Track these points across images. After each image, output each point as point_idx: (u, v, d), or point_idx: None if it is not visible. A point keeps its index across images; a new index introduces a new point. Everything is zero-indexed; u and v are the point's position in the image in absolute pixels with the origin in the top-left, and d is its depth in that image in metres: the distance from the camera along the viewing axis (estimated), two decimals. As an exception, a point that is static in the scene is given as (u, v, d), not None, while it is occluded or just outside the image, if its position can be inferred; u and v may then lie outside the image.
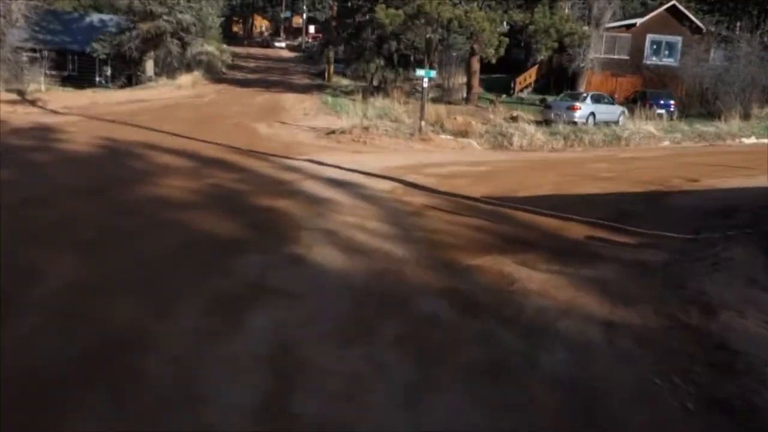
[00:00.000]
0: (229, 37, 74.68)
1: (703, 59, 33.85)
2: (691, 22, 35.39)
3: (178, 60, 39.61)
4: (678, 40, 35.68)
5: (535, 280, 6.17)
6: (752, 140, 23.05)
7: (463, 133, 19.87)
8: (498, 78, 40.36)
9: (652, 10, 36.45)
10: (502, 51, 29.70)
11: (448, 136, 18.91)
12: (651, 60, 36.00)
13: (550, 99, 33.43)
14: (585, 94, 27.89)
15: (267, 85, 39.30)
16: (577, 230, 8.47)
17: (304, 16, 75.75)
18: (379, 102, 29.18)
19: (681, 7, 35.57)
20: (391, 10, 29.94)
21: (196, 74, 40.81)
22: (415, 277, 6.15)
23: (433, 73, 18.74)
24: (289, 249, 6.79)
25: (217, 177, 10.76)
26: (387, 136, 18.02)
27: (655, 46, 36.00)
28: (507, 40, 29.71)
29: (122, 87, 37.01)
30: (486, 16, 29.13)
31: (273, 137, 18.12)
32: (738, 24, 35.20)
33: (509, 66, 40.91)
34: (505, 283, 6.08)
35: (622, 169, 14.38)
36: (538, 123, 23.30)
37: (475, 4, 29.60)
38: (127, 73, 39.64)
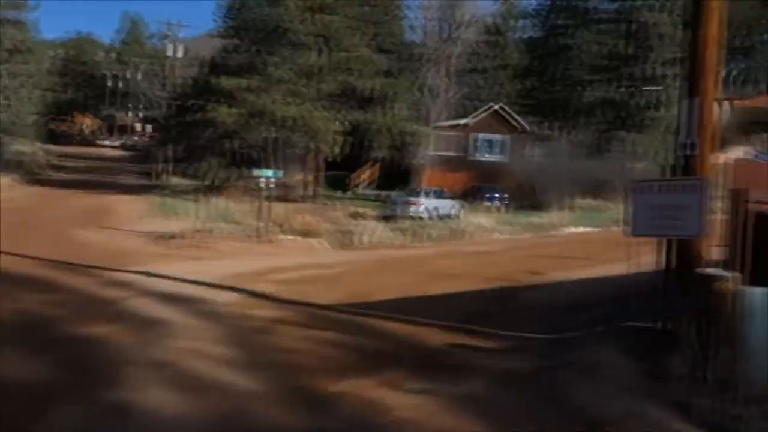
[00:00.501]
0: (52, 136, 70.28)
1: (527, 156, 36.44)
2: (514, 122, 38.13)
3: (-8, 162, 36.20)
4: (502, 138, 38.21)
5: (407, 406, 5.45)
6: (571, 230, 24.49)
7: (307, 233, 19.26)
8: (339, 174, 40.74)
9: (478, 112, 38.93)
10: (344, 149, 30.03)
11: (293, 237, 18.22)
12: (479, 156, 38.11)
13: (389, 194, 34.16)
14: (424, 190, 28.62)
15: (94, 186, 36.73)
16: (437, 337, 7.94)
17: (136, 114, 73.30)
18: (218, 202, 28.08)
19: (504, 110, 38.35)
20: (232, 110, 29.47)
21: (11, 177, 37.37)
22: (268, 418, 5.19)
23: (279, 173, 18.18)
24: (111, 395, 5.55)
25: (23, 300, 9.16)
26: (227, 239, 16.99)
27: (482, 144, 38.24)
28: (348, 138, 30.14)
29: None
30: (324, 116, 29.44)
31: (99, 245, 16.43)
32: (555, 124, 38.32)
33: (351, 163, 41.58)
34: (375, 413, 5.29)
35: (468, 265, 14.37)
36: (382, 218, 23.29)
37: (314, 104, 29.86)
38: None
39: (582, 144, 34.33)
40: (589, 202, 32.32)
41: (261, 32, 33.66)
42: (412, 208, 26.98)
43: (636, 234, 6.65)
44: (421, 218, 26.54)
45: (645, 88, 36.18)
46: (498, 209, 29.84)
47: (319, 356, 7.05)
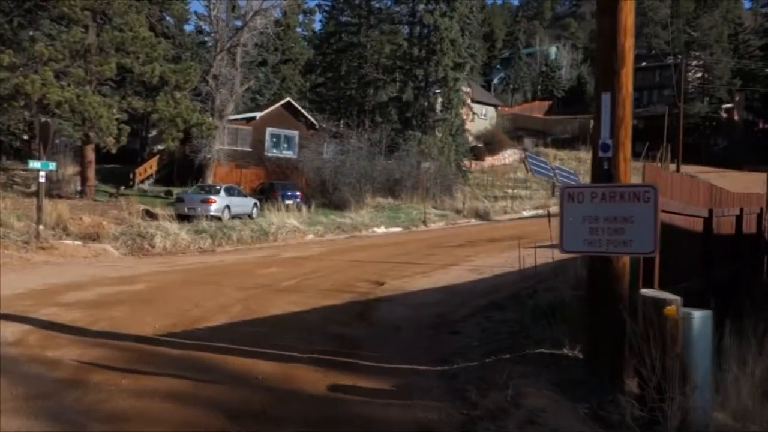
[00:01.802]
0: None
1: (319, 152, 35.39)
2: (306, 117, 36.86)
3: None
4: (295, 134, 36.77)
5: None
6: (383, 230, 23.92)
7: (93, 237, 16.18)
8: (114, 168, 36.36)
9: (269, 105, 37.04)
10: (123, 140, 26.36)
11: (76, 242, 15.07)
12: (272, 152, 36.29)
13: (179, 191, 31.00)
14: (219, 187, 26.16)
15: None
16: (308, 376, 6.28)
17: None
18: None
19: (295, 104, 36.88)
20: (-23, 88, 24.38)
21: None
22: None
23: (52, 165, 14.85)
24: None
25: None
26: (-10, 246, 13.46)
27: (274, 139, 36.47)
28: (128, 128, 26.57)
29: None
30: (103, 102, 25.63)
31: None
32: (345, 121, 37.83)
33: (126, 156, 37.32)
34: None
35: (297, 274, 12.66)
36: (171, 218, 20.52)
37: (89, 87, 25.85)
38: None
39: (375, 142, 34.09)
40: (385, 201, 32.13)
41: (17, 2, 28.52)
42: (207, 207, 24.49)
43: (566, 251, 5.57)
44: (219, 218, 24.23)
45: (433, 90, 37.07)
46: (298, 208, 28.35)
47: (166, 422, 5.03)
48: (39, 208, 14.04)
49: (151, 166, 35.41)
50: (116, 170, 36.48)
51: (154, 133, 41.63)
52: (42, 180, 14.15)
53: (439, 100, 37.88)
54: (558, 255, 6.99)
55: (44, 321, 7.96)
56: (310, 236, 21.06)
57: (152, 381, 5.98)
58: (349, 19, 41.94)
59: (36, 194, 27.39)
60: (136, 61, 27.37)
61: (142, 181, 34.60)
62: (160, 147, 43.59)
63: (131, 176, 34.74)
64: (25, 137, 34.70)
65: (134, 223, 17.48)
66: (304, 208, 23.98)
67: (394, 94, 39.51)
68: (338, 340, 7.73)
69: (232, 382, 6.08)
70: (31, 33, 28.59)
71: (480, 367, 6.40)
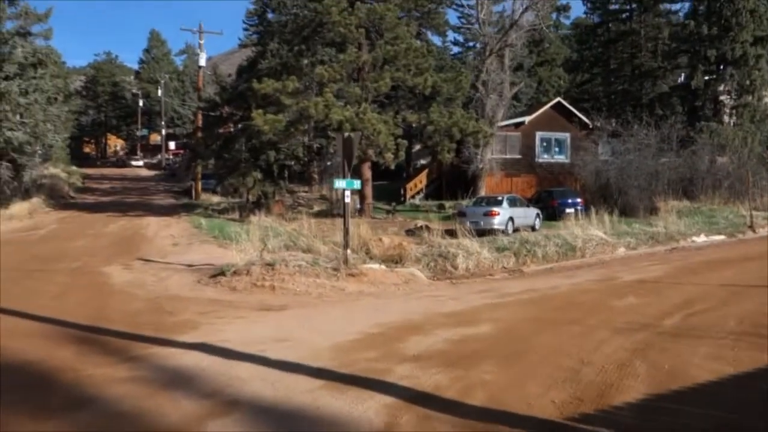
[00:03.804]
0: (80, 158, 66.73)
1: (594, 154, 31.44)
2: (579, 118, 33.15)
3: (9, 186, 31.82)
4: (566, 136, 33.27)
5: None
6: (703, 238, 19.52)
7: (395, 259, 14.47)
8: (382, 185, 36.01)
9: (537, 108, 33.99)
10: (402, 155, 25.28)
11: (381, 266, 13.38)
12: (542, 158, 33.18)
13: (451, 204, 29.35)
14: (501, 198, 23.76)
15: (123, 208, 32.26)
16: None
17: (164, 132, 69.07)
18: (262, 220, 23.44)
19: (566, 104, 33.36)
20: (270, 116, 24.81)
21: (36, 201, 33.10)
22: None
23: (357, 184, 13.36)
24: None
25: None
26: (301, 273, 12.19)
27: (545, 144, 33.33)
28: (405, 143, 25.36)
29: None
30: (381, 119, 24.70)
31: (133, 289, 11.73)
32: (619, 119, 33.39)
33: (391, 172, 36.89)
34: None
35: (668, 306, 9.24)
36: (448, 233, 18.25)
37: (365, 105, 25.12)
38: (-54, 206, 31.03)
39: (663, 138, 29.23)
40: (680, 203, 27.21)
41: (295, 32, 29.03)
42: (491, 220, 22.22)
43: None
44: (503, 232, 21.80)
45: (729, 72, 31.07)
46: (581, 217, 24.81)
47: None
48: (346, 231, 12.51)
49: (421, 180, 34.33)
50: (385, 187, 36.10)
51: (417, 147, 40.88)
52: (347, 200, 12.65)
53: (736, 82, 31.70)
54: None
55: (406, 389, 5.76)
56: (621, 250, 17.52)
57: None
58: (617, 6, 37.33)
59: (329, 214, 27.85)
60: (408, 74, 26.17)
61: (412, 197, 33.65)
62: (423, 162, 42.90)
63: (402, 192, 33.97)
64: (304, 160, 35.89)
65: (434, 243, 15.49)
66: (594, 217, 20.37)
67: (678, 82, 34.05)
68: None
69: None
70: (306, 61, 28.94)
71: None
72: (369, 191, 28.33)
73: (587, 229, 18.33)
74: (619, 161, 28.69)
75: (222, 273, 12.46)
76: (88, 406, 5.40)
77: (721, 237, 19.78)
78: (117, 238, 21.50)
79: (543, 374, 6.25)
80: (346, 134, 13.36)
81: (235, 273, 12.26)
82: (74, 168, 54.10)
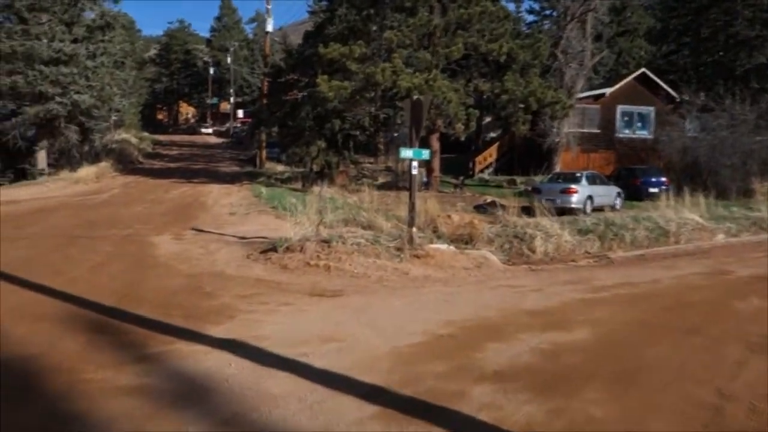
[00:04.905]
0: (153, 125, 67.33)
1: (681, 130, 28.62)
2: (666, 91, 30.28)
3: (79, 149, 31.64)
4: (650, 110, 30.48)
5: None
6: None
7: (465, 239, 12.84)
8: (449, 158, 34.10)
9: (620, 80, 31.25)
10: (473, 125, 23.41)
11: (450, 246, 11.77)
12: (623, 133, 30.55)
13: (523, 180, 27.35)
14: (579, 174, 21.67)
15: (188, 175, 31.68)
16: None
17: (232, 100, 68.82)
18: (325, 191, 22.16)
19: (652, 76, 30.49)
20: (336, 82, 23.32)
21: (104, 165, 32.87)
22: None
23: (426, 154, 11.72)
24: None
25: None
26: (360, 252, 10.73)
27: (626, 118, 30.65)
28: (476, 113, 23.44)
29: (11, 183, 28.57)
30: (450, 86, 22.85)
31: (177, 263, 10.56)
32: (709, 92, 30.27)
33: (460, 145, 34.90)
34: None
35: None
36: (524, 210, 16.32)
37: (436, 71, 23.29)
38: (16, 167, 31.07)
39: (761, 114, 26.18)
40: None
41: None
42: (568, 198, 20.26)
43: None
44: (581, 211, 19.82)
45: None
46: (667, 197, 22.40)
47: None
48: (412, 207, 10.96)
49: (490, 154, 32.32)
50: (453, 160, 34.21)
51: (488, 119, 38.68)
52: (414, 172, 11.06)
53: None
54: None
55: (487, 428, 4.20)
56: (720, 236, 15.32)
57: None
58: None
59: (393, 187, 26.35)
60: (482, 39, 24.13)
61: (481, 171, 31.76)
62: (492, 135, 40.68)
63: (470, 165, 32.09)
64: (370, 130, 34.39)
65: (509, 222, 13.73)
66: (687, 198, 18.02)
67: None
68: None
69: None
70: (374, 26, 27.25)
71: None
72: (437, 164, 26.65)
73: (680, 212, 16.14)
74: (710, 138, 25.92)
75: (274, 249, 11.13)
76: None
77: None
78: (175, 205, 20.64)
79: (670, 409, 4.59)
80: (416, 97, 11.72)
81: (287, 249, 10.89)
82: (146, 134, 54.42)
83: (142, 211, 18.50)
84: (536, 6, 41.34)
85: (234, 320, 6.87)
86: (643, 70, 30.85)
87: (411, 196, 11.17)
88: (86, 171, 30.46)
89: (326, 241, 10.95)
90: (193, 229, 14.73)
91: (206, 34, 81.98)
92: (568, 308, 7.65)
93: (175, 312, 7.14)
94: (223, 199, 22.10)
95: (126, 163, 37.26)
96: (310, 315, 7.27)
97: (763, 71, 30.24)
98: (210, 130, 71.27)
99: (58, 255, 10.69)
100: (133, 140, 47.16)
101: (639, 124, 30.55)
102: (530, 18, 45.31)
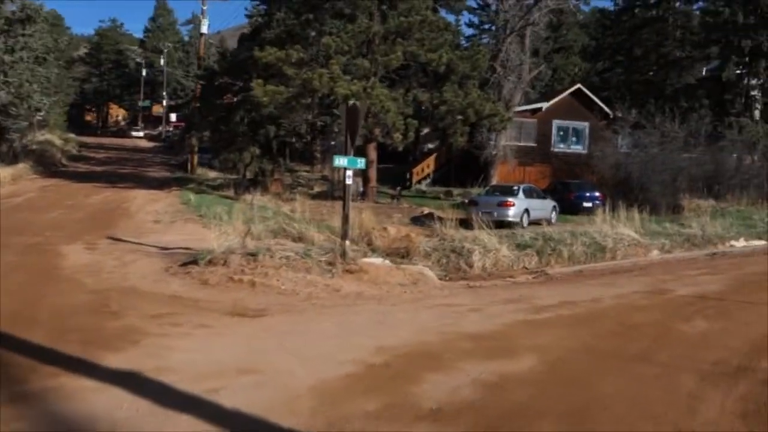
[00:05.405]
0: (80, 126, 64.34)
1: (614, 146, 29.08)
2: (600, 107, 30.73)
3: (-5, 149, 29.58)
4: (585, 125, 30.88)
5: None
6: (743, 243, 17.28)
7: (401, 253, 12.24)
8: (387, 168, 33.56)
9: (556, 95, 31.54)
10: (411, 136, 22.93)
11: (384, 260, 11.14)
12: (558, 147, 30.82)
13: (460, 192, 27.12)
14: (516, 187, 21.49)
15: (114, 179, 30.04)
16: None
17: (165, 103, 66.49)
18: (258, 199, 21.20)
19: (587, 92, 30.91)
20: (271, 87, 22.45)
21: (22, 167, 30.83)
22: None
23: (361, 163, 11.06)
24: None
25: None
26: (288, 267, 9.95)
27: (561, 132, 30.93)
28: (415, 123, 23.01)
29: None
30: (389, 95, 22.34)
31: (84, 276, 9.53)
32: (640, 110, 30.90)
33: (397, 155, 34.44)
34: None
35: (754, 337, 6.97)
36: (462, 223, 15.90)
37: (374, 79, 22.74)
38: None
39: (691, 132, 26.81)
40: (705, 203, 24.90)
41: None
42: (505, 211, 20.01)
43: None
44: (516, 224, 19.59)
45: (765, 65, 28.58)
46: (599, 212, 22.53)
47: None
48: (345, 219, 10.27)
49: (428, 165, 31.99)
50: (390, 170, 33.69)
51: (426, 130, 38.44)
52: (349, 182, 10.41)
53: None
54: None
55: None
56: (655, 252, 15.29)
57: None
58: (645, -8, 34.76)
59: (329, 196, 25.54)
60: (422, 49, 23.74)
61: (419, 182, 31.38)
62: (430, 146, 40.47)
63: (408, 176, 31.66)
64: (306, 138, 33.56)
65: (447, 236, 13.22)
66: (623, 214, 17.98)
67: (705, 74, 31.55)
68: None
69: None
70: (313, 32, 26.59)
71: None
72: (374, 174, 26.07)
73: (615, 227, 16.05)
74: (642, 154, 26.33)
75: (195, 261, 10.23)
76: None
77: (763, 242, 17.50)
78: (95, 211, 19.31)
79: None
80: (351, 102, 11.08)
81: (210, 262, 10.02)
82: (72, 135, 51.77)
83: (56, 217, 17.14)
84: (475, 20, 41.48)
85: (138, 346, 6.00)
86: (578, 85, 31.24)
87: (345, 207, 10.49)
88: (2, 172, 28.45)
89: (253, 254, 10.13)
90: (110, 237, 13.61)
91: (140, 35, 79.31)
92: (510, 332, 7.12)
93: (71, 336, 6.22)
94: (149, 206, 20.85)
95: (48, 166, 35.10)
96: (227, 340, 6.46)
97: (692, 91, 31.11)
98: (141, 134, 68.68)
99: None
100: (57, 141, 44.71)
101: (574, 139, 30.91)
102: (469, 32, 45.56)
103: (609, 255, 14.50)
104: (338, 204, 17.05)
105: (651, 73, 34.07)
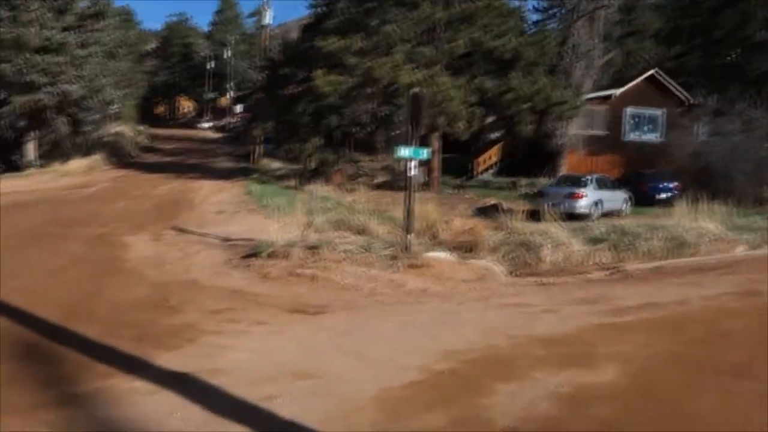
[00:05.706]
0: (151, 118, 66.12)
1: (692, 134, 27.51)
2: (676, 93, 29.15)
3: (70, 141, 30.53)
4: (660, 113, 29.35)
5: None
6: None
7: (467, 247, 11.74)
8: (449, 159, 32.91)
9: (629, 81, 30.09)
10: (476, 125, 22.32)
11: (449, 255, 10.68)
12: (631, 136, 29.42)
13: (527, 182, 26.27)
14: (587, 178, 20.56)
15: (181, 169, 30.63)
16: None
17: (230, 95, 67.57)
18: (320, 190, 21.13)
19: (662, 77, 29.36)
20: (333, 77, 22.25)
21: (96, 158, 31.85)
22: None
23: (425, 153, 10.63)
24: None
25: None
26: (350, 260, 9.65)
27: (634, 120, 29.51)
28: (480, 111, 22.36)
29: (-1, 175, 27.39)
30: (453, 83, 21.76)
31: (146, 269, 9.49)
32: (720, 96, 29.07)
33: (459, 145, 33.71)
34: None
35: None
36: (531, 215, 15.22)
37: (438, 67, 22.20)
38: (5, 158, 29.88)
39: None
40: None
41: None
42: (575, 203, 19.16)
43: None
44: (587, 216, 18.73)
45: None
46: (674, 204, 21.30)
47: None
48: (409, 212, 9.87)
49: (492, 155, 31.15)
50: (453, 160, 33.05)
51: (490, 119, 37.54)
52: (413, 172, 9.97)
53: None
54: None
55: None
56: (740, 248, 14.15)
57: None
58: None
59: (392, 186, 25.12)
60: (487, 35, 23.04)
61: (483, 172, 30.58)
62: (494, 135, 39.49)
63: (470, 167, 30.94)
64: (370, 128, 33.23)
65: (515, 229, 12.63)
66: (704, 206, 16.82)
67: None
68: None
69: None
70: (375, 20, 26.17)
71: None
72: (437, 164, 25.55)
73: (696, 220, 15.02)
74: (723, 143, 24.78)
75: (256, 254, 10.06)
76: None
77: None
78: (162, 201, 19.60)
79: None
80: (415, 90, 10.63)
81: (271, 255, 9.82)
82: (142, 128, 53.27)
83: (124, 207, 17.46)
84: (541, 5, 40.10)
85: (194, 344, 5.79)
86: (653, 71, 29.68)
87: (408, 199, 10.08)
88: (76, 164, 29.45)
89: (314, 247, 9.87)
90: (174, 228, 13.66)
91: (206, 28, 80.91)
92: (587, 336, 6.55)
93: (127, 332, 6.06)
94: (213, 197, 21.06)
95: (120, 157, 36.20)
96: (285, 339, 6.18)
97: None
98: (208, 125, 70.12)
99: (15, 256, 9.60)
100: (129, 133, 46.05)
101: (648, 127, 29.41)
102: (534, 17, 44.11)
103: (690, 251, 13.54)
104: (401, 195, 16.64)
105: (732, 57, 32.04)
